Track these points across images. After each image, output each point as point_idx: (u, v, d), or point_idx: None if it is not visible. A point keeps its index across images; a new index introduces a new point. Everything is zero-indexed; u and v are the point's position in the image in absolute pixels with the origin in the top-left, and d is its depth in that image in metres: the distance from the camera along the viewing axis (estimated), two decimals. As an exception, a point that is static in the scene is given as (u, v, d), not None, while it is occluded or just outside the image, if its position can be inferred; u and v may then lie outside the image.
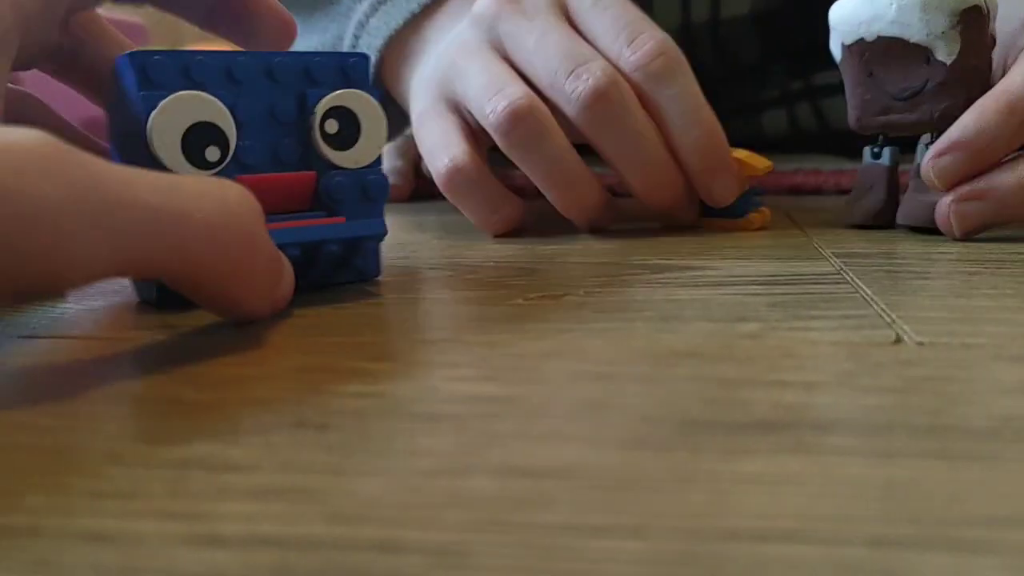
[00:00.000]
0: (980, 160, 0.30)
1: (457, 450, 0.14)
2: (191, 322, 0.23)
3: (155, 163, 0.24)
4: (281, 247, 0.23)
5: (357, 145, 0.25)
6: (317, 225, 0.25)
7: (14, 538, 0.12)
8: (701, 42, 0.64)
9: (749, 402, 0.16)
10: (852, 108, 0.34)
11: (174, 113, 0.24)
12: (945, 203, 0.31)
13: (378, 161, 0.26)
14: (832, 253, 0.30)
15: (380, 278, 0.27)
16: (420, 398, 0.16)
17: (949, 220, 0.31)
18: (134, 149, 0.25)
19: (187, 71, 0.25)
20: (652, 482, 0.13)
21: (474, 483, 0.13)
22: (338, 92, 0.25)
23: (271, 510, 0.12)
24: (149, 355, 0.20)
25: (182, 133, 0.24)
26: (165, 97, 0.24)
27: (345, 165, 0.25)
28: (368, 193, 0.25)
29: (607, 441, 0.14)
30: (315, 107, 0.25)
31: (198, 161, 0.24)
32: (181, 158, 0.24)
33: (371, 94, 0.26)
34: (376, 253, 0.27)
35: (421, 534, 0.11)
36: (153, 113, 0.24)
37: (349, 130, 0.25)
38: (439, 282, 0.27)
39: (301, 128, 0.26)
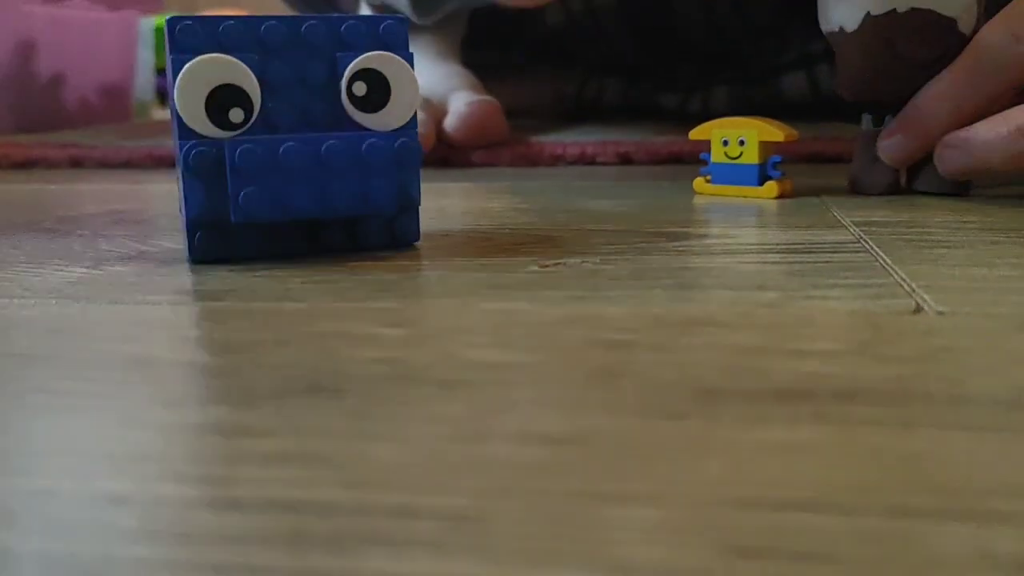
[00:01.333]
0: (926, 140, 0.33)
1: (473, 416, 0.14)
2: (207, 287, 0.23)
3: (181, 124, 0.24)
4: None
5: (387, 108, 0.25)
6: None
7: (32, 499, 0.12)
8: (721, 1, 0.63)
9: (767, 371, 0.15)
10: (853, 78, 0.34)
11: (198, 75, 0.24)
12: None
13: (411, 124, 0.26)
14: (851, 222, 0.29)
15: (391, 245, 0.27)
16: (435, 364, 0.16)
17: None
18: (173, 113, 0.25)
19: (217, 35, 0.24)
20: (668, 450, 0.13)
21: (490, 449, 0.13)
22: (367, 55, 0.25)
23: (287, 475, 0.12)
24: (164, 320, 0.20)
25: (206, 95, 0.24)
26: (191, 60, 0.24)
27: (374, 127, 0.25)
28: (399, 157, 0.25)
29: (623, 409, 0.14)
30: (344, 70, 0.25)
31: (222, 122, 0.24)
32: (205, 119, 0.24)
33: (405, 58, 0.25)
34: (415, 218, 0.27)
35: (437, 500, 0.11)
36: (178, 76, 0.24)
37: (379, 93, 0.25)
38: (454, 249, 0.27)
39: (333, 91, 0.25)
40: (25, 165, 0.54)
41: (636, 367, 0.16)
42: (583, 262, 0.24)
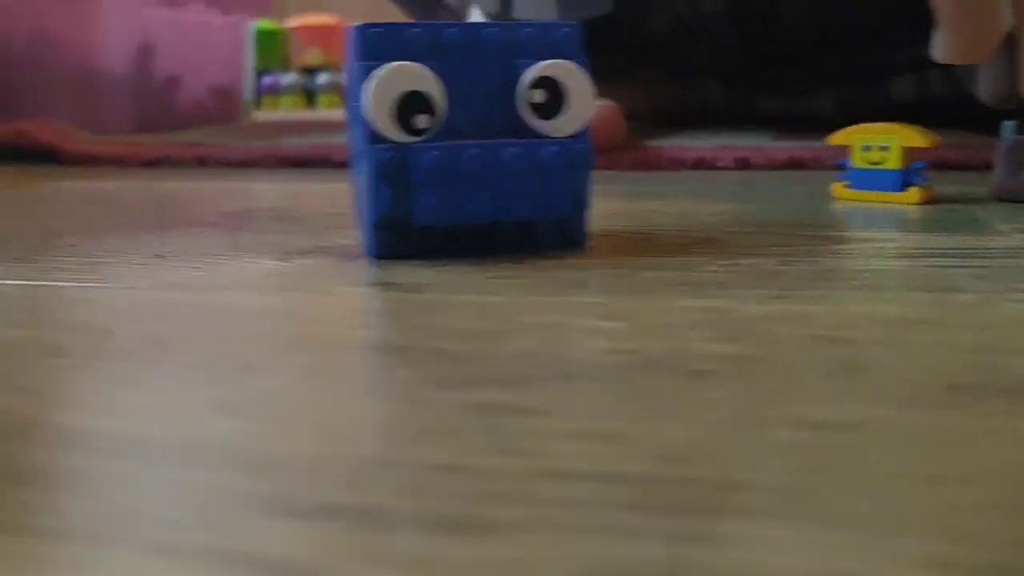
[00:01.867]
0: None
1: (743, 404, 0.15)
2: (403, 280, 0.24)
3: (370, 129, 0.26)
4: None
5: (562, 115, 0.26)
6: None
7: (375, 467, 0.13)
8: (831, 4, 0.63)
9: (1007, 368, 0.16)
10: (992, 80, 0.34)
11: (389, 82, 0.25)
12: None
13: (584, 131, 0.27)
14: (1012, 228, 0.30)
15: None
16: (672, 355, 0.17)
17: None
18: (355, 113, 0.27)
19: (402, 42, 0.26)
20: (953, 437, 0.13)
21: (775, 433, 0.14)
22: (546, 63, 0.26)
23: (595, 450, 0.13)
24: (380, 308, 0.21)
25: (394, 101, 0.25)
26: (380, 67, 0.25)
27: (549, 134, 0.26)
28: (574, 163, 0.26)
29: (882, 399, 0.15)
30: (522, 77, 0.26)
31: (408, 128, 0.26)
32: (393, 125, 0.26)
33: (580, 65, 0.26)
34: (584, 220, 0.28)
35: (755, 475, 0.12)
36: (368, 82, 0.25)
37: (555, 100, 0.26)
38: (622, 249, 0.28)
39: (509, 98, 0.27)
40: (152, 163, 0.57)
41: (873, 362, 0.17)
42: (759, 263, 0.25)
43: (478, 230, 0.27)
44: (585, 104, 0.27)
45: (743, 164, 0.48)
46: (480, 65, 0.27)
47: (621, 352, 0.18)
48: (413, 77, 0.25)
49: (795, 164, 0.48)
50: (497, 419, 0.15)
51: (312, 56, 1.53)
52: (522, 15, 0.58)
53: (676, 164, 0.49)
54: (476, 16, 0.63)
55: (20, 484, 0.13)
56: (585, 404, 0.15)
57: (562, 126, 0.27)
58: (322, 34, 1.54)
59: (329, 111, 1.33)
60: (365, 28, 0.26)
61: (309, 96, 1.44)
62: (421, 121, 0.26)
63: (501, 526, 0.11)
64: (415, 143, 0.26)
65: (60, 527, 0.12)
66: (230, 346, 0.19)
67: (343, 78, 1.41)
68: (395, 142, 0.26)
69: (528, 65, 0.26)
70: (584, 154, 0.26)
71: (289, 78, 1.39)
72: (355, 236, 0.31)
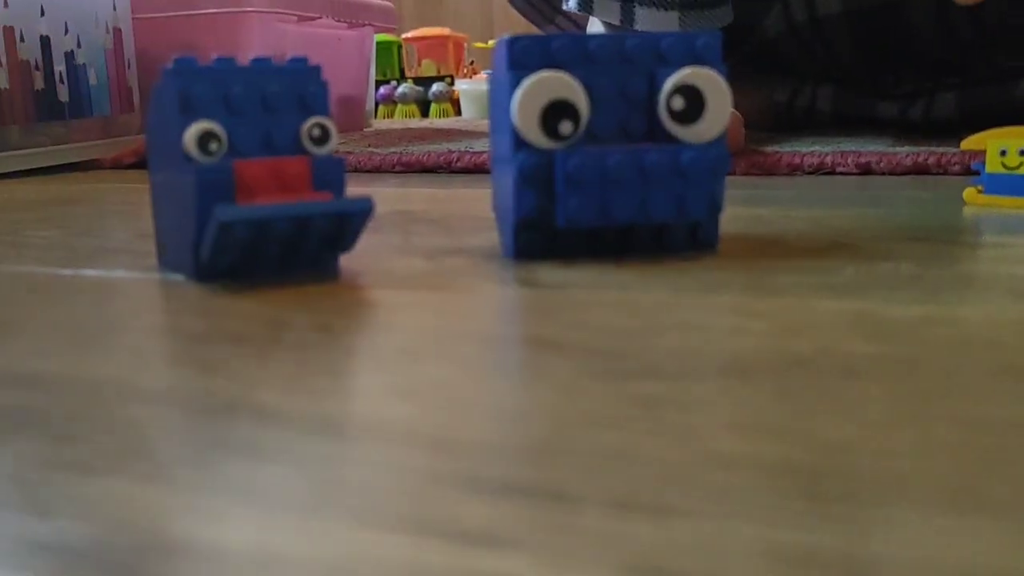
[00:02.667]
0: None
1: (901, 402, 0.15)
2: (548, 278, 0.25)
3: (516, 136, 0.27)
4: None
5: (701, 121, 0.27)
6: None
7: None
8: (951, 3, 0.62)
9: None
10: None
11: (536, 91, 0.26)
12: None
13: (722, 136, 0.27)
14: None
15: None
16: (824, 355, 0.18)
17: None
18: (500, 121, 0.28)
19: (550, 53, 0.27)
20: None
21: (944, 430, 0.14)
22: (686, 71, 0.27)
23: (758, 442, 0.14)
24: (534, 305, 0.22)
25: (541, 109, 0.27)
26: (529, 76, 0.26)
27: (688, 140, 0.27)
28: (713, 168, 0.27)
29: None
30: (663, 85, 0.27)
31: (553, 134, 0.27)
32: (539, 131, 0.27)
33: (719, 72, 0.27)
34: (717, 224, 0.28)
35: (922, 470, 0.13)
36: (517, 90, 0.27)
37: (694, 107, 0.27)
38: (754, 251, 0.28)
39: (650, 105, 0.27)
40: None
41: (1027, 364, 0.17)
42: (896, 267, 0.25)
43: (614, 232, 0.28)
44: (723, 110, 0.27)
45: (864, 169, 0.48)
46: (623, 73, 0.27)
47: (770, 350, 0.18)
48: (559, 86, 0.26)
49: (919, 169, 0.47)
50: (660, 410, 0.15)
51: (426, 67, 1.56)
52: (644, 28, 0.58)
53: (795, 169, 0.49)
54: (596, 26, 0.63)
55: (229, 455, 0.14)
56: (743, 399, 0.16)
57: (701, 132, 0.27)
58: (436, 46, 1.57)
59: (442, 120, 1.36)
60: (514, 40, 0.27)
61: (422, 106, 1.48)
62: (565, 127, 0.27)
63: (680, 510, 0.12)
64: (559, 148, 0.27)
65: (272, 496, 0.13)
66: (393, 337, 0.20)
67: (455, 88, 1.44)
68: (540, 147, 0.27)
69: (669, 73, 0.27)
70: (722, 159, 0.27)
71: (404, 88, 1.43)
72: (491, 237, 0.32)
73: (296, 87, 0.26)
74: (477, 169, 0.56)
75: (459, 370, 0.18)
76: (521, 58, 0.27)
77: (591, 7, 0.59)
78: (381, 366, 0.18)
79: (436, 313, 0.22)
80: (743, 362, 0.18)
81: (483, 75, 1.46)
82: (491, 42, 1.69)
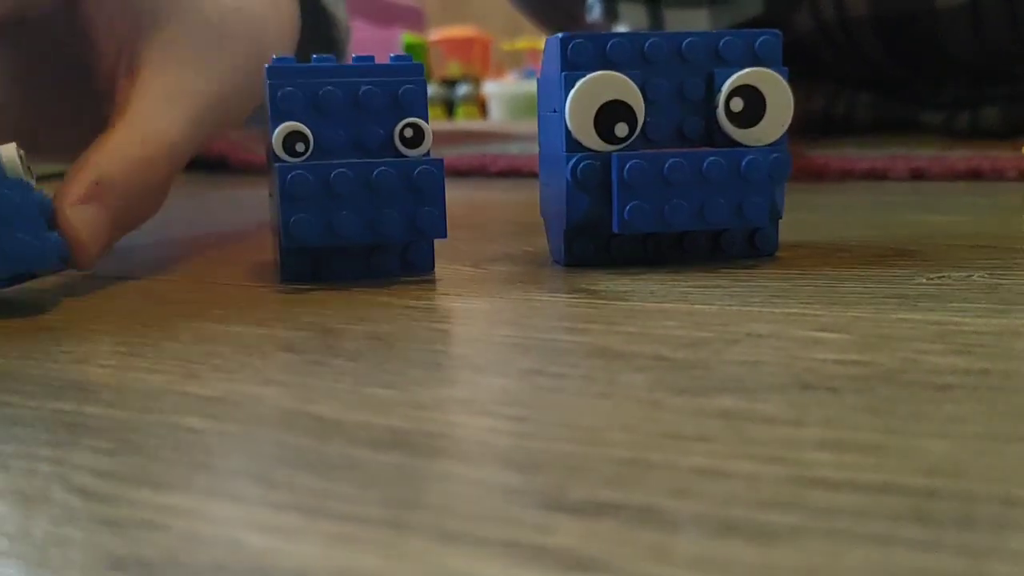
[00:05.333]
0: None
1: (1001, 418, 0.14)
2: (603, 287, 0.24)
3: (569, 138, 0.26)
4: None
5: (761, 123, 0.26)
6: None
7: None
8: (992, 16, 0.61)
9: None
10: None
11: (590, 91, 0.26)
12: None
13: (782, 139, 0.27)
14: None
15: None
16: (910, 369, 0.17)
17: None
18: (549, 122, 0.27)
19: (604, 52, 0.26)
20: None
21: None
22: (745, 71, 0.26)
23: (854, 461, 0.13)
24: (590, 315, 0.22)
25: (595, 110, 0.26)
26: (583, 76, 0.26)
27: (747, 143, 0.26)
28: (774, 172, 0.26)
29: None
30: (722, 86, 0.26)
31: (608, 136, 0.26)
32: (593, 134, 0.26)
33: (780, 73, 0.26)
34: (776, 230, 0.28)
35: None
36: (571, 91, 0.26)
37: (754, 108, 0.26)
38: (816, 259, 0.27)
39: (707, 106, 0.27)
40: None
41: None
42: (969, 276, 0.24)
43: (669, 238, 0.27)
44: (784, 112, 0.26)
45: (916, 175, 0.47)
46: (679, 73, 0.27)
47: (851, 363, 0.17)
48: (614, 86, 0.26)
49: (973, 174, 0.46)
50: (744, 426, 0.15)
51: (452, 68, 1.56)
52: (674, 29, 0.58)
53: (845, 175, 0.48)
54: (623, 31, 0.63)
55: (297, 470, 0.14)
56: (830, 414, 0.15)
57: (761, 135, 0.26)
58: (462, 46, 1.57)
59: (467, 121, 1.36)
60: (568, 38, 0.26)
61: (448, 107, 1.48)
62: (621, 129, 0.26)
63: (781, 532, 0.11)
64: (615, 151, 0.26)
65: (347, 513, 0.12)
66: (453, 348, 0.20)
67: (481, 89, 1.43)
68: (594, 150, 0.26)
69: (728, 73, 0.26)
70: (783, 163, 0.26)
71: (429, 89, 1.43)
72: (538, 243, 0.31)
73: (391, 86, 0.26)
74: (515, 173, 0.56)
75: (526, 383, 0.17)
76: (575, 57, 0.26)
77: (616, 17, 0.59)
78: (444, 378, 0.18)
79: (493, 322, 0.22)
80: (824, 376, 0.17)
81: (510, 77, 1.45)
82: (519, 43, 1.68)
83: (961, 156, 0.48)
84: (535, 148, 0.30)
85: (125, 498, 0.13)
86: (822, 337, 0.19)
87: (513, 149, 0.63)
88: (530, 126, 0.34)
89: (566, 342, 0.20)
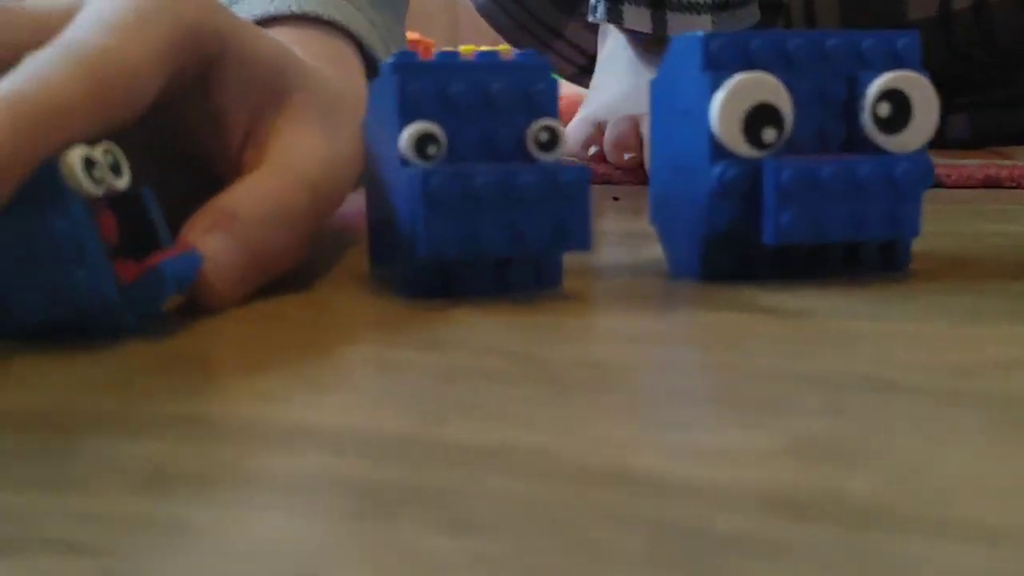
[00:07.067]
0: None
1: None
2: (769, 302, 0.23)
3: (713, 140, 0.24)
4: None
5: (907, 129, 0.25)
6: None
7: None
8: (962, 27, 0.62)
9: None
10: None
11: (739, 94, 0.24)
12: None
13: (924, 147, 0.25)
14: None
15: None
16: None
17: None
18: (679, 126, 0.25)
19: (747, 53, 0.25)
20: None
21: None
22: (892, 74, 0.25)
23: None
24: (788, 336, 0.20)
25: (744, 114, 0.24)
26: (728, 77, 0.24)
27: (891, 149, 0.25)
28: (925, 180, 0.25)
29: None
30: (867, 89, 0.25)
31: (755, 141, 0.24)
32: (741, 139, 0.24)
33: (924, 76, 0.25)
34: (909, 241, 0.26)
35: None
36: (717, 93, 0.24)
37: (900, 114, 0.25)
38: (967, 272, 0.26)
39: (849, 110, 0.25)
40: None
41: None
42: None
43: (804, 250, 0.26)
44: (931, 118, 0.25)
45: (937, 183, 0.47)
46: (822, 76, 0.25)
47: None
48: (763, 88, 0.24)
49: (993, 183, 0.46)
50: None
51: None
52: (676, 34, 0.57)
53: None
54: (611, 43, 0.61)
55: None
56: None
57: (907, 141, 0.25)
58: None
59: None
60: (710, 38, 0.24)
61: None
62: (769, 135, 0.24)
63: None
64: (763, 158, 0.24)
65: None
66: (694, 378, 0.18)
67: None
68: (741, 156, 0.24)
69: (872, 76, 0.25)
70: (930, 171, 0.25)
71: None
72: (641, 252, 0.29)
73: (523, 84, 0.24)
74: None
75: (854, 426, 0.15)
76: (719, 57, 0.25)
77: (620, 17, 0.57)
78: (740, 421, 0.15)
79: (702, 347, 0.20)
80: None
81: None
82: (460, 48, 1.65)
83: (980, 164, 0.48)
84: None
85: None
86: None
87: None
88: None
89: (822, 372, 0.18)
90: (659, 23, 0.56)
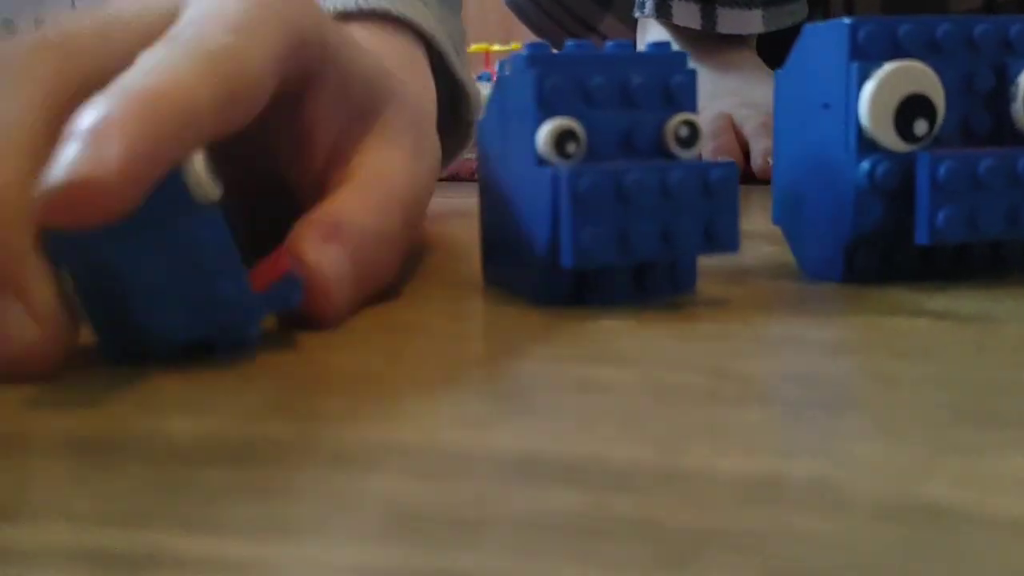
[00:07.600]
0: None
1: None
2: (943, 306, 0.21)
3: (860, 134, 0.23)
4: None
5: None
6: None
7: None
8: None
9: None
10: None
11: (891, 84, 0.23)
12: None
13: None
14: None
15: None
16: None
17: None
18: (815, 119, 0.24)
19: (896, 40, 0.23)
20: None
21: None
22: (1049, 61, 0.23)
23: None
24: (983, 345, 0.19)
25: (897, 106, 0.23)
26: (878, 67, 0.23)
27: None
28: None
29: None
30: (1018, 78, 0.24)
31: (906, 134, 0.23)
32: (893, 132, 0.23)
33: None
34: None
35: None
36: (867, 83, 0.23)
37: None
38: None
39: (997, 99, 0.24)
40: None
41: None
42: None
43: (949, 250, 0.25)
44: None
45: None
46: (969, 63, 0.24)
47: None
48: (916, 78, 0.23)
49: None
50: None
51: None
52: (726, 30, 0.55)
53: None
54: (654, 34, 0.60)
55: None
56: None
57: (1054, 132, 0.24)
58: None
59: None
60: (858, 24, 0.23)
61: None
62: (920, 127, 0.23)
63: None
64: (915, 151, 0.23)
65: None
66: (937, 392, 0.16)
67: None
68: (891, 150, 0.23)
69: (1022, 65, 0.24)
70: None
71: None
72: (758, 252, 0.28)
73: (662, 77, 0.22)
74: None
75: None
76: (867, 46, 0.23)
77: (669, 13, 0.56)
78: (942, 435, 0.14)
79: (910, 360, 0.18)
80: None
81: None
82: (470, 47, 1.61)
83: None
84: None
85: None
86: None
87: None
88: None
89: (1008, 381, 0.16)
90: (709, 19, 0.55)
